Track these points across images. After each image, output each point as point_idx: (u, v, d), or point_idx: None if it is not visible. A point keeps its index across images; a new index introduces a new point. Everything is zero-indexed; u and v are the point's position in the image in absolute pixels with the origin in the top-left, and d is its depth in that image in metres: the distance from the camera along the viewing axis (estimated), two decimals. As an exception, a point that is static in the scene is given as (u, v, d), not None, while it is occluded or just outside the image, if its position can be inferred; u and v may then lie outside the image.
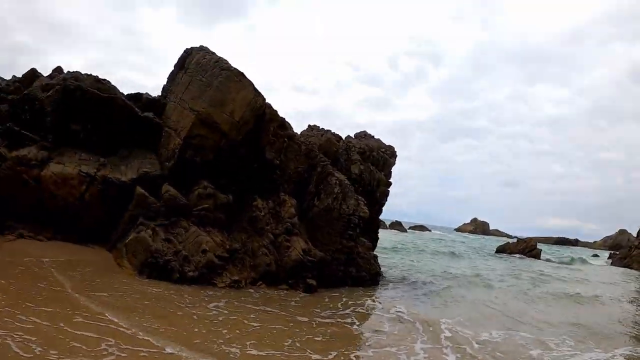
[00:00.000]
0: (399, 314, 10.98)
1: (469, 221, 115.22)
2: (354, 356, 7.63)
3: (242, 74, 12.50)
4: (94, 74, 13.26)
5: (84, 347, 5.86)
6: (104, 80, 13.42)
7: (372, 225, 17.10)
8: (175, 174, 12.11)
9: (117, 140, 12.98)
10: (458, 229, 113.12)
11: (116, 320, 7.04)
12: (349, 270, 13.49)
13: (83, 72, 13.28)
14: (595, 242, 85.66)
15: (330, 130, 16.60)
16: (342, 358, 7.37)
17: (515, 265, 31.43)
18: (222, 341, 7.14)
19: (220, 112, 12.07)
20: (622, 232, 77.38)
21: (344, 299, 11.81)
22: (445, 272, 21.51)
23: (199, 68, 12.95)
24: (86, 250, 11.26)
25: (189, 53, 13.89)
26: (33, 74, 13.47)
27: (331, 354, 7.41)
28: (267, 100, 13.04)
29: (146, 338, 6.58)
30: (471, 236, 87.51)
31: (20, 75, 13.51)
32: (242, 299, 10.22)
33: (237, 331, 7.80)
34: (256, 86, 12.61)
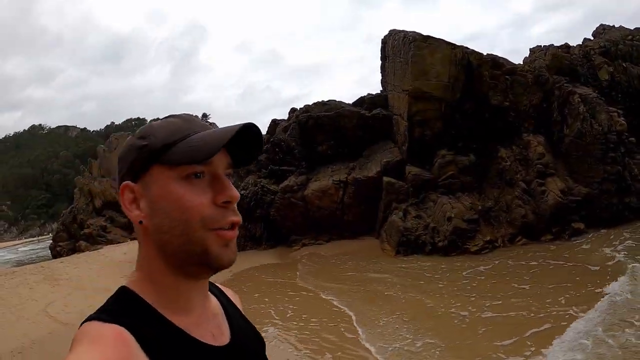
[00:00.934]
0: None
1: None
2: None
3: (428, 37, 12.57)
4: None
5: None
6: (328, 101, 15.93)
7: None
8: (413, 154, 12.92)
9: (358, 144, 14.96)
10: None
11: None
12: (625, 202, 11.32)
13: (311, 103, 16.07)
14: None
15: (553, 45, 14.54)
16: None
17: None
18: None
19: (426, 82, 12.31)
20: None
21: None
22: None
23: (395, 51, 13.64)
24: (357, 242, 13.44)
25: (385, 42, 14.80)
26: (273, 122, 16.96)
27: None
28: (468, 46, 12.66)
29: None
30: None
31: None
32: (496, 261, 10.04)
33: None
34: (451, 38, 12.45)
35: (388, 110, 14.59)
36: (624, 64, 14.43)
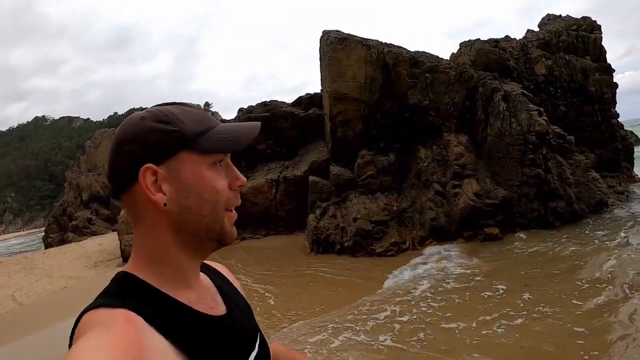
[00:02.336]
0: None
1: None
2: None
3: (344, 38, 12.47)
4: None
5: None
6: (270, 101, 16.47)
7: (597, 134, 13.77)
8: (337, 154, 12.93)
9: (294, 143, 15.28)
10: None
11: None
12: (549, 206, 10.94)
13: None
14: None
15: (479, 39, 14.21)
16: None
17: None
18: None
19: (344, 83, 12.25)
20: None
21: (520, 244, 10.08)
22: None
23: (322, 52, 13.63)
24: (291, 237, 13.86)
25: (320, 42, 14.88)
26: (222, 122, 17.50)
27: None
28: (386, 45, 12.62)
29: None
30: None
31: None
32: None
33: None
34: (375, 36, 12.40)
35: (322, 110, 14.75)
36: (566, 57, 14.11)
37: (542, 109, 11.43)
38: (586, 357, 4.93)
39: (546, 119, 11.09)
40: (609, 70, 14.48)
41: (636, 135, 35.78)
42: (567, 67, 13.84)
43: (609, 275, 7.35)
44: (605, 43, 14.78)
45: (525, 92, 12.09)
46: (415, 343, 5.89)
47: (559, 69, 13.79)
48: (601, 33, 15.00)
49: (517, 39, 14.73)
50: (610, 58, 14.67)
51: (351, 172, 12.56)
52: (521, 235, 10.77)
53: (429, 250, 10.89)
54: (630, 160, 14.68)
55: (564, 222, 11.14)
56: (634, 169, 14.81)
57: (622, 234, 9.54)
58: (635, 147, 15.35)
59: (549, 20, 15.21)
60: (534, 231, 10.86)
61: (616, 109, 14.84)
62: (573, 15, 15.53)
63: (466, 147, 11.89)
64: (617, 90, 14.90)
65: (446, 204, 11.22)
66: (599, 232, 10.07)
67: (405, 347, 5.81)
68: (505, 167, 11.51)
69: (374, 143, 12.62)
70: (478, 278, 8.32)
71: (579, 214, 11.35)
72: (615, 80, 14.48)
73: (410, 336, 6.09)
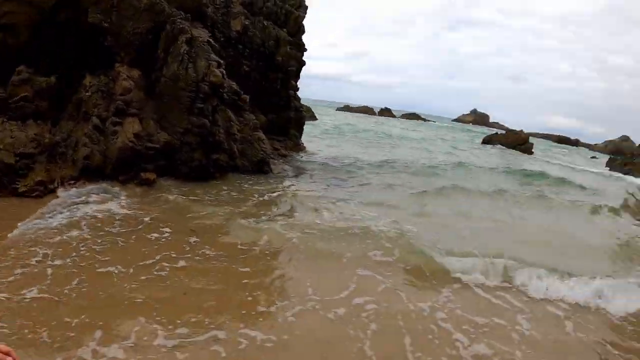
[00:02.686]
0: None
1: (468, 112, 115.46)
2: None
3: None
4: None
5: None
6: None
7: (275, 100, 15.00)
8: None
9: None
10: (457, 120, 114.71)
11: None
12: (212, 158, 11.27)
13: None
14: (596, 144, 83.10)
15: None
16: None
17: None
18: None
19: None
20: (625, 138, 74.91)
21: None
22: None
23: None
24: None
25: None
26: None
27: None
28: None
29: None
30: (466, 126, 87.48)
31: None
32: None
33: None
34: None
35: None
36: (265, 22, 14.81)
37: (222, 61, 11.50)
38: (249, 297, 5.49)
39: (223, 71, 11.22)
40: (300, 48, 15.92)
41: (312, 112, 43.97)
42: (263, 32, 14.47)
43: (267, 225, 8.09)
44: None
45: (211, 41, 11.95)
46: (69, 292, 5.14)
47: (254, 30, 14.29)
48: (305, 13, 16.27)
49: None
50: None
51: (3, 91, 10.04)
52: (181, 183, 10.80)
53: (79, 190, 9.72)
54: (300, 130, 16.78)
55: (224, 174, 11.75)
56: (301, 139, 17.04)
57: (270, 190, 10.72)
58: (307, 121, 17.49)
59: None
60: (194, 181, 11.03)
61: (298, 83, 16.57)
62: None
63: (136, 84, 10.99)
64: (304, 67, 16.64)
65: (103, 141, 10.16)
66: (256, 186, 11.07)
67: (57, 298, 4.97)
68: (173, 112, 11.17)
69: (37, 59, 10.36)
70: (145, 220, 7.90)
71: (241, 168, 12.15)
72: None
73: (64, 285, 5.25)
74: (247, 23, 14.02)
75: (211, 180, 11.39)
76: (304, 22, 16.25)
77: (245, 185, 11.29)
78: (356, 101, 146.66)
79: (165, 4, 11.76)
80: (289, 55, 15.24)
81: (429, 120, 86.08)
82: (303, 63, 16.36)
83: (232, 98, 12.20)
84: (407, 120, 79.49)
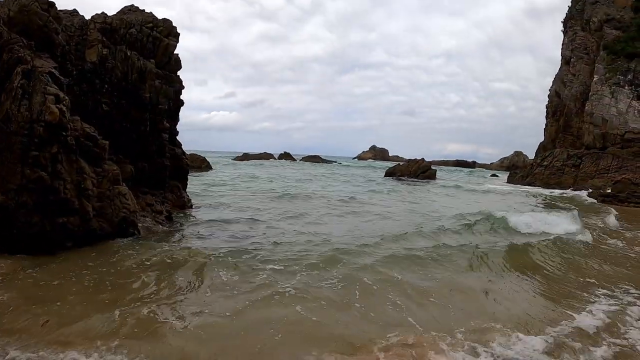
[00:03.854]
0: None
1: (367, 149, 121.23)
2: None
3: None
4: None
5: None
6: None
7: (145, 145, 12.48)
8: None
9: None
10: (358, 157, 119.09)
11: None
12: (58, 222, 8.60)
13: None
14: (492, 163, 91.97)
15: None
16: None
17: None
18: None
19: None
20: (518, 153, 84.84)
21: None
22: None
23: None
24: None
25: None
26: None
27: None
28: None
29: None
30: (369, 162, 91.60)
31: None
32: None
33: None
34: None
35: None
36: (128, 52, 12.51)
37: (63, 95, 8.96)
38: None
39: (64, 108, 8.69)
40: (173, 83, 13.79)
41: (208, 163, 42.26)
42: (125, 63, 12.16)
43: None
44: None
45: (55, 72, 9.40)
46: None
47: (114, 62, 11.95)
48: (177, 41, 14.26)
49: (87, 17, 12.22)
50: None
51: None
52: (18, 260, 7.89)
53: None
54: (183, 181, 14.34)
55: (78, 243, 8.96)
56: (185, 190, 14.56)
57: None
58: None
59: (129, 10, 13.37)
60: (37, 254, 8.14)
61: (177, 127, 14.35)
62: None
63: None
64: (182, 105, 14.48)
65: None
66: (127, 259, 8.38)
67: None
68: (4, 165, 8.38)
69: None
70: None
71: (98, 233, 9.42)
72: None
73: None
74: (105, 53, 11.67)
75: (59, 251, 8.59)
76: (182, 57, 14.28)
77: (99, 260, 8.41)
78: (254, 149, 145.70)
79: (4, 28, 9.14)
80: (157, 90, 12.98)
81: (330, 161, 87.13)
82: (180, 102, 14.21)
83: (86, 144, 9.64)
84: (307, 162, 79.81)
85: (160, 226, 10.85)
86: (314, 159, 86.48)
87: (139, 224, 10.18)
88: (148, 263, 8.27)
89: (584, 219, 15.30)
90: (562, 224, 13.64)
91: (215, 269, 7.98)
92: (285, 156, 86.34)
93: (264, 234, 11.47)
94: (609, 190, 27.24)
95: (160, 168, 12.53)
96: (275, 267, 8.34)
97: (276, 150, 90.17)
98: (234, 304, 6.43)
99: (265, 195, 21.40)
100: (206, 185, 24.15)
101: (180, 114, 14.44)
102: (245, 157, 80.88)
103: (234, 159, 76.18)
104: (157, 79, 12.83)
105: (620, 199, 24.87)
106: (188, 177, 14.96)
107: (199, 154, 44.41)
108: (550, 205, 24.13)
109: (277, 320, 5.85)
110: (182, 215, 13.00)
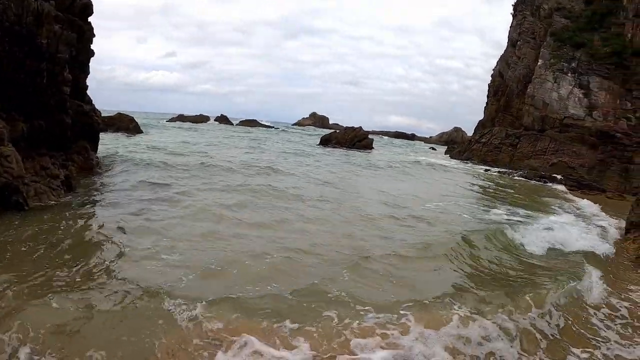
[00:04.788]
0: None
1: (307, 116, 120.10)
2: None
3: None
4: None
5: None
6: None
7: (42, 100, 11.08)
8: None
9: None
10: (297, 124, 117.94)
11: None
12: None
13: None
14: (431, 137, 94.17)
15: None
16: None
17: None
18: None
19: None
20: (457, 129, 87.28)
21: None
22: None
23: None
24: None
25: None
26: None
27: None
28: None
29: None
30: (306, 129, 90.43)
31: None
32: None
33: None
34: None
35: None
36: (22, -8, 10.95)
37: None
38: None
39: None
40: (79, 29, 12.36)
41: (136, 124, 37.99)
42: (18, 3, 10.64)
43: None
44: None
45: None
46: None
47: (6, 2, 10.41)
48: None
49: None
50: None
51: None
52: None
53: None
54: (93, 142, 13.12)
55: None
56: (96, 153, 13.36)
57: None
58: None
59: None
60: None
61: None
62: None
63: None
64: (92, 56, 13.13)
65: None
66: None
67: None
68: None
69: None
70: None
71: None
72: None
73: None
74: (-9, -10, 10.11)
75: None
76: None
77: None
78: (194, 111, 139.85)
79: None
80: (57, 36, 11.47)
81: (268, 126, 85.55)
82: (91, 53, 12.84)
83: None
84: (243, 127, 77.79)
85: (54, 193, 9.75)
86: (252, 123, 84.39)
87: (31, 192, 9.09)
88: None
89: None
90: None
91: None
92: (222, 119, 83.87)
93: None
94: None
95: (61, 126, 11.26)
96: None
97: (216, 113, 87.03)
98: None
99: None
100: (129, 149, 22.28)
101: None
102: (180, 118, 77.60)
103: (167, 121, 72.68)
104: (57, 23, 11.38)
105: (558, 181, 28.37)
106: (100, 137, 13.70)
107: (137, 115, 40.51)
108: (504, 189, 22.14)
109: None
110: (88, 179, 11.87)
